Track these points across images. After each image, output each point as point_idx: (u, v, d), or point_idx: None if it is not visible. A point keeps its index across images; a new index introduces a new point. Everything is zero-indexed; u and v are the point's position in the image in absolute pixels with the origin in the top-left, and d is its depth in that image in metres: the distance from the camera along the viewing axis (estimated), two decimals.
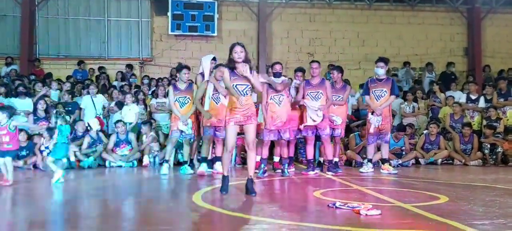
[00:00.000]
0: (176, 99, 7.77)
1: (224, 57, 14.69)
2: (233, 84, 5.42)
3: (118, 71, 13.75)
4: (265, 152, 7.56)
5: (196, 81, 7.94)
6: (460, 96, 11.64)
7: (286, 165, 7.66)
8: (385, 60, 8.02)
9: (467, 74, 15.23)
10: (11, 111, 6.80)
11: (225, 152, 5.56)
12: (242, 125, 5.49)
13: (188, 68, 8.00)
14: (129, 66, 14.01)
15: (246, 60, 5.45)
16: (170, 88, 7.98)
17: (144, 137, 9.65)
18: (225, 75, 5.49)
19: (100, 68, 13.99)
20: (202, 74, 7.75)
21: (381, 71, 7.93)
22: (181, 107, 7.76)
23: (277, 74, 7.41)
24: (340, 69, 8.32)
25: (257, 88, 5.64)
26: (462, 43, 15.91)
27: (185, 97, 7.79)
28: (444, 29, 15.82)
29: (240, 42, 5.59)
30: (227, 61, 5.56)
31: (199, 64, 8.01)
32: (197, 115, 7.87)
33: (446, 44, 15.84)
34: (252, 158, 5.53)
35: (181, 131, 7.73)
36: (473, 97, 11.30)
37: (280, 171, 7.80)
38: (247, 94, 5.46)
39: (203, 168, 7.61)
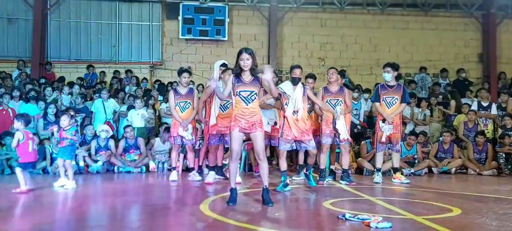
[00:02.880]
0: (176, 104, 7.73)
1: (233, 62, 14.70)
2: (237, 91, 5.38)
3: (131, 76, 13.74)
4: (283, 164, 6.90)
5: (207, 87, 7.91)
6: (473, 104, 11.49)
7: (311, 171, 7.36)
8: (393, 66, 7.88)
9: (482, 81, 15.02)
10: (28, 119, 6.80)
11: (231, 161, 5.43)
12: (248, 133, 5.44)
13: (189, 72, 7.95)
14: (129, 72, 14.01)
15: (253, 67, 5.39)
16: (171, 92, 7.95)
17: (156, 142, 9.62)
18: (228, 81, 5.45)
19: (114, 72, 14.05)
20: (214, 80, 7.70)
21: (388, 76, 7.82)
22: (181, 112, 7.72)
23: (296, 80, 6.88)
24: (339, 72, 7.94)
25: (273, 93, 5.61)
26: (477, 49, 15.72)
27: (186, 102, 7.74)
28: (458, 35, 15.64)
29: (249, 48, 5.50)
30: (234, 67, 5.52)
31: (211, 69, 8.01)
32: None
33: (460, 50, 15.66)
34: (265, 168, 5.46)
35: (182, 137, 7.67)
36: (484, 104, 11.15)
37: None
38: (252, 101, 5.39)
39: (211, 177, 7.54)
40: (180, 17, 14.57)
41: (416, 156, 9.63)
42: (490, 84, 14.25)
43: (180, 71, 7.88)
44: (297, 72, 6.90)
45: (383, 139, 7.77)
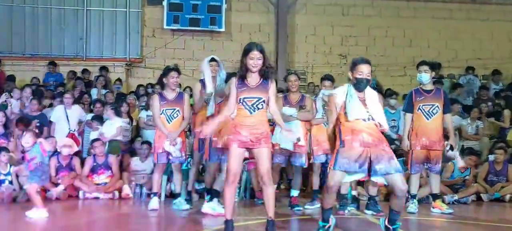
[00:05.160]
0: (162, 112, 7.71)
1: (232, 58, 14.76)
2: (240, 98, 5.37)
3: (98, 76, 13.79)
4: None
5: (194, 90, 7.91)
6: None
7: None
8: (430, 64, 7.88)
9: None
10: None
11: (226, 185, 5.37)
12: (251, 149, 5.41)
13: (178, 71, 7.87)
14: (104, 69, 14.04)
15: (265, 69, 5.36)
16: (155, 97, 7.88)
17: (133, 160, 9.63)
18: (231, 85, 5.44)
19: (83, 71, 14.09)
20: (203, 82, 7.74)
21: (425, 77, 7.78)
22: (168, 123, 7.68)
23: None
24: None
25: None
26: None
27: (174, 109, 7.69)
28: None
29: (259, 44, 5.44)
30: (239, 67, 5.47)
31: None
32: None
33: None
34: (270, 194, 5.39)
35: (168, 153, 7.67)
36: None
37: (298, 208, 7.81)
38: (258, 109, 5.37)
39: (208, 206, 7.29)
40: (164, 3, 14.62)
41: (467, 178, 9.60)
42: None
43: (167, 71, 7.85)
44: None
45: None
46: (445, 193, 9.00)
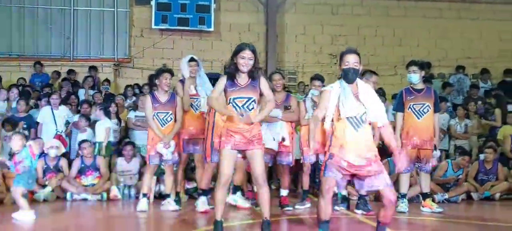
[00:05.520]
0: (154, 115, 7.71)
1: (221, 58, 14.73)
2: (230, 98, 5.36)
3: (87, 76, 13.74)
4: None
5: (177, 90, 7.97)
6: None
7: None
8: (420, 64, 7.92)
9: None
10: None
11: (218, 187, 5.39)
12: (243, 151, 5.42)
13: (171, 72, 7.90)
14: (93, 69, 13.99)
15: (254, 70, 5.37)
16: (147, 98, 7.86)
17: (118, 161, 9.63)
18: (219, 83, 5.42)
19: (69, 71, 14.01)
20: (183, 82, 7.85)
21: (415, 77, 7.84)
22: (161, 127, 7.67)
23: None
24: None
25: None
26: None
27: (167, 113, 7.68)
28: (504, 26, 15.71)
29: (251, 44, 5.46)
30: (228, 66, 5.46)
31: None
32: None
33: (506, 46, 15.72)
34: (265, 195, 5.41)
35: (161, 155, 7.66)
36: None
37: (288, 208, 7.82)
38: (249, 110, 5.35)
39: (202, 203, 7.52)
40: (153, 2, 14.59)
41: (460, 177, 9.65)
42: None
43: (160, 72, 7.86)
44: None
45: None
46: (435, 192, 9.05)
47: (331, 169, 4.86)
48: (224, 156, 5.36)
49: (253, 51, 5.36)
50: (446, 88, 13.62)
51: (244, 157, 5.89)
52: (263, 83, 5.44)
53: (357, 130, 4.88)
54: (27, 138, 7.44)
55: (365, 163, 4.84)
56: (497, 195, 9.78)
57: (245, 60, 5.31)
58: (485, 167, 10.02)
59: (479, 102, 12.79)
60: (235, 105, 5.33)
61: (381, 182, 4.88)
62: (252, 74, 5.38)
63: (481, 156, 10.36)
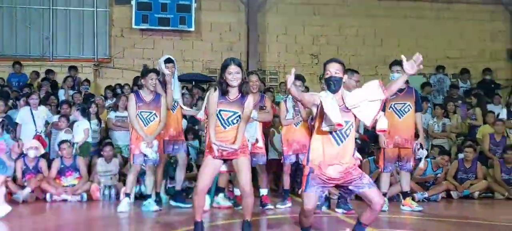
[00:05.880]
0: (138, 114, 7.71)
1: (202, 58, 14.73)
2: (218, 110, 5.35)
3: (67, 76, 13.66)
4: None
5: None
6: (501, 112, 11.71)
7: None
8: (402, 65, 7.98)
9: None
10: None
11: (195, 192, 5.37)
12: (226, 160, 5.43)
13: (157, 72, 7.90)
14: (73, 69, 13.93)
15: (243, 83, 5.39)
16: (131, 97, 7.82)
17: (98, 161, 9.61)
18: (210, 96, 5.42)
19: (47, 71, 13.93)
20: (160, 81, 7.89)
21: (396, 77, 7.93)
22: (144, 126, 7.64)
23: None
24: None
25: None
26: (506, 44, 16.03)
27: (151, 113, 7.66)
28: (484, 26, 15.95)
29: (236, 59, 5.49)
30: (217, 82, 5.50)
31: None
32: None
33: (486, 45, 15.96)
34: (250, 203, 5.40)
35: (144, 155, 7.67)
36: None
37: (269, 207, 7.88)
38: (232, 124, 5.36)
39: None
40: (133, 2, 14.56)
41: (439, 176, 9.76)
42: None
43: (146, 72, 7.82)
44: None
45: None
46: (415, 190, 9.14)
47: (313, 184, 4.79)
48: (206, 164, 5.38)
49: (239, 65, 5.38)
50: (425, 88, 13.74)
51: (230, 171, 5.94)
52: (249, 101, 5.44)
53: (340, 144, 4.80)
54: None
55: (344, 175, 4.80)
56: (476, 194, 9.92)
57: (233, 75, 5.31)
58: (465, 166, 10.14)
59: (459, 101, 12.94)
60: (220, 117, 5.35)
61: (365, 184, 4.83)
62: (241, 89, 5.40)
63: (461, 155, 10.49)
